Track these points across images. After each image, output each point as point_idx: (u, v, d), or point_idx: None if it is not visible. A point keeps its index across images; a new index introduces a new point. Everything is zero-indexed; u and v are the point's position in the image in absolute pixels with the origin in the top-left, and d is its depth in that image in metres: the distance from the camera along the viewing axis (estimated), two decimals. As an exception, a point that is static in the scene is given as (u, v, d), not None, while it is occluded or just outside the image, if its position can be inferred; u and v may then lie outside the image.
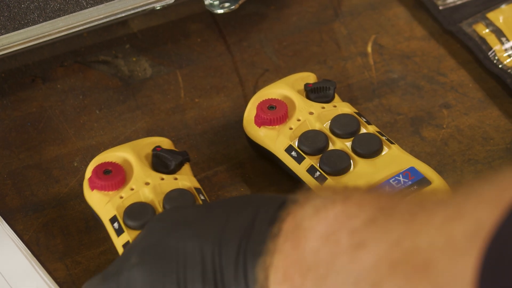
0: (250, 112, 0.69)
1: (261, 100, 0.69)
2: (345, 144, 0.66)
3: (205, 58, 0.79)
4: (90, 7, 0.71)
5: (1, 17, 0.69)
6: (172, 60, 0.79)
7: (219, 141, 0.72)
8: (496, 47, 0.78)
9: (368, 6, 0.84)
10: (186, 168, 0.65)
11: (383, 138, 0.66)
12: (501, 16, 0.80)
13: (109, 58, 0.78)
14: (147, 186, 0.62)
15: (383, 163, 0.65)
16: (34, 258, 0.63)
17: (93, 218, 0.66)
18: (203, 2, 0.77)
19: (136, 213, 0.60)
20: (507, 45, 0.78)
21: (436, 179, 0.64)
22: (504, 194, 0.39)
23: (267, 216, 0.48)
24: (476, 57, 0.79)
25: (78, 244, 0.65)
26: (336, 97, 0.71)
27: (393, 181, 0.63)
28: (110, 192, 0.62)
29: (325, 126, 0.68)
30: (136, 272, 0.50)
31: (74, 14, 0.71)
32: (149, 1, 0.73)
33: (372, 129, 0.67)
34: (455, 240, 0.39)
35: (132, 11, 0.73)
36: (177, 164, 0.64)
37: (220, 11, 0.76)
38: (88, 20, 0.71)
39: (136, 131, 0.73)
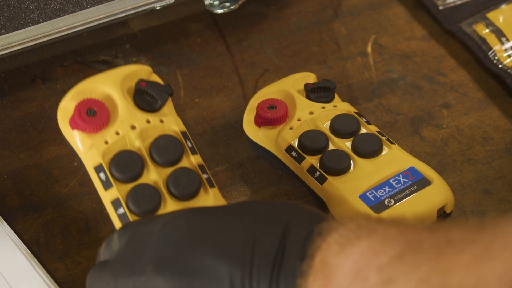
0: (250, 112, 0.69)
1: (261, 100, 0.69)
2: (345, 144, 0.66)
3: (205, 58, 0.79)
4: (90, 7, 0.71)
5: (1, 17, 0.69)
6: (172, 60, 0.79)
7: (219, 141, 0.72)
8: (496, 47, 0.78)
9: (368, 6, 0.84)
10: (169, 104, 0.63)
11: (383, 138, 0.66)
12: (501, 16, 0.80)
13: (109, 58, 0.78)
14: (134, 131, 0.60)
15: (383, 163, 0.65)
16: (34, 258, 0.63)
17: (93, 218, 0.66)
18: (203, 2, 0.77)
19: (124, 164, 0.58)
20: (507, 45, 0.78)
21: (436, 179, 0.64)
22: None
23: (296, 246, 0.48)
24: (476, 57, 0.79)
25: (78, 244, 0.65)
26: (336, 97, 0.71)
27: (393, 181, 0.63)
28: (94, 134, 0.59)
29: (325, 126, 0.68)
30: (155, 279, 0.49)
31: (74, 14, 0.71)
32: (149, 1, 0.73)
33: (372, 129, 0.67)
34: (486, 281, 0.40)
35: (132, 11, 0.73)
36: (162, 104, 0.62)
37: (220, 11, 0.76)
38: (88, 20, 0.71)
39: (136, 131, 0.73)
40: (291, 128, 0.67)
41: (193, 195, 0.59)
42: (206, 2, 0.76)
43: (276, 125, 0.68)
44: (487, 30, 0.79)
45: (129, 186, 0.59)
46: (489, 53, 0.78)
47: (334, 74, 0.78)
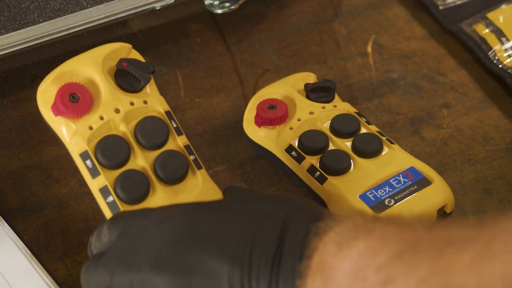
0: (250, 112, 0.69)
1: (261, 100, 0.69)
2: (345, 144, 0.66)
3: (205, 58, 0.79)
4: (90, 7, 0.71)
5: (1, 17, 0.69)
6: (172, 60, 0.79)
7: (219, 141, 0.72)
8: (496, 47, 0.78)
9: (368, 6, 0.84)
10: (152, 83, 0.62)
11: (383, 138, 0.66)
12: (501, 16, 0.80)
13: (109, 58, 0.78)
14: (118, 115, 0.59)
15: (383, 163, 0.65)
16: (34, 258, 0.63)
17: (93, 218, 0.66)
18: (203, 2, 0.77)
19: (111, 150, 0.58)
20: (507, 45, 0.78)
21: (436, 179, 0.64)
22: None
23: (294, 245, 0.47)
24: (476, 57, 0.79)
25: (78, 244, 0.65)
26: (336, 97, 0.71)
27: (393, 181, 0.63)
28: (77, 120, 0.59)
29: (325, 126, 0.68)
30: (153, 277, 0.49)
31: (74, 14, 0.71)
32: (149, 1, 0.73)
33: (372, 129, 0.67)
34: (487, 281, 0.40)
35: (132, 11, 0.73)
36: (145, 84, 0.61)
37: (220, 11, 0.76)
38: (88, 20, 0.71)
39: (136, 131, 0.73)
40: (291, 128, 0.67)
41: (181, 178, 0.59)
42: (206, 2, 0.76)
43: (276, 125, 0.68)
44: (487, 30, 0.79)
45: (117, 172, 0.58)
46: (489, 53, 0.78)
47: (334, 74, 0.78)
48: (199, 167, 0.60)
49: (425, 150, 0.71)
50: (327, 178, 0.64)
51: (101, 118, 0.59)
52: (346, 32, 0.82)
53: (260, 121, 0.68)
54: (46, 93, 0.60)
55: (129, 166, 0.59)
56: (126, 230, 0.52)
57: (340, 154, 0.65)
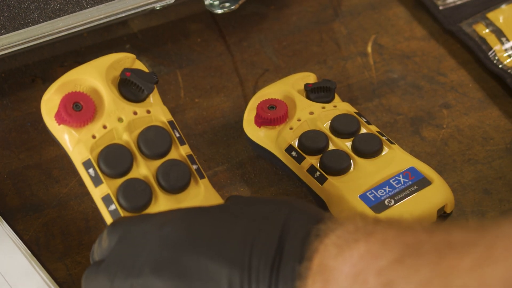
0: (250, 112, 0.69)
1: (261, 100, 0.69)
2: (345, 144, 0.66)
3: (205, 58, 0.79)
4: (90, 7, 0.71)
5: (1, 17, 0.69)
6: (172, 60, 0.79)
7: (219, 141, 0.72)
8: (496, 47, 0.78)
9: (368, 6, 0.84)
10: (155, 93, 0.62)
11: (383, 138, 0.66)
12: (501, 16, 0.80)
13: (109, 58, 0.78)
14: (121, 124, 0.59)
15: (383, 163, 0.65)
16: (34, 258, 0.63)
17: (93, 218, 0.66)
18: (203, 2, 0.77)
19: (113, 159, 0.58)
20: (507, 45, 0.78)
21: (436, 179, 0.64)
22: None
23: (294, 247, 0.47)
24: (476, 57, 0.79)
25: (78, 244, 0.65)
26: (336, 97, 0.71)
27: (393, 181, 0.63)
28: (81, 129, 0.59)
29: (325, 126, 0.68)
30: (153, 281, 0.49)
31: (74, 14, 0.71)
32: (149, 1, 0.73)
33: (372, 129, 0.67)
34: (489, 286, 0.40)
35: (132, 11, 0.73)
36: (149, 94, 0.61)
37: (220, 11, 0.76)
38: (88, 20, 0.71)
39: (136, 131, 0.73)
40: (291, 128, 0.67)
41: (183, 187, 0.59)
42: (206, 2, 0.76)
43: (276, 125, 0.68)
44: (487, 30, 0.79)
45: (119, 181, 0.58)
46: (489, 53, 0.78)
47: (334, 74, 0.78)
48: (202, 177, 0.60)
49: (425, 150, 0.71)
50: (327, 178, 0.64)
51: (104, 127, 0.59)
52: (346, 32, 0.82)
53: (260, 121, 0.68)
54: (50, 102, 0.61)
55: (132, 175, 0.59)
56: (126, 235, 0.52)
57: (340, 154, 0.65)
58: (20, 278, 0.61)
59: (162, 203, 0.58)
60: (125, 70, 0.61)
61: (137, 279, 0.50)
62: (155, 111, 0.61)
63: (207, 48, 0.80)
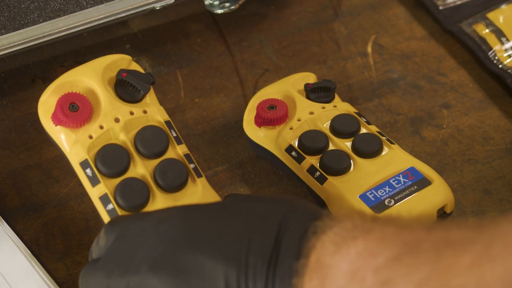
0: (250, 112, 0.69)
1: (261, 100, 0.69)
2: (345, 144, 0.66)
3: (205, 58, 0.79)
4: (90, 7, 0.71)
5: (1, 17, 0.69)
6: (172, 60, 0.79)
7: (219, 141, 0.72)
8: (496, 47, 0.78)
9: (368, 6, 0.84)
10: (151, 93, 0.63)
11: (383, 138, 0.66)
12: (501, 16, 0.80)
13: (109, 58, 0.78)
14: (118, 124, 0.60)
15: (383, 163, 0.65)
16: (34, 258, 0.63)
17: (93, 218, 0.66)
18: (203, 2, 0.77)
19: (110, 158, 0.58)
20: (507, 45, 0.78)
21: (436, 179, 0.64)
22: None
23: (292, 244, 0.47)
24: (476, 57, 0.79)
25: (78, 244, 0.65)
26: (336, 97, 0.71)
27: (393, 181, 0.63)
28: (77, 129, 0.59)
29: (325, 126, 0.68)
30: (150, 278, 0.49)
31: (74, 14, 0.71)
32: (149, 1, 0.73)
33: (372, 129, 0.67)
34: (487, 284, 0.40)
35: (132, 11, 0.73)
36: (145, 94, 0.62)
37: (220, 11, 0.76)
38: (88, 20, 0.71)
39: (136, 131, 0.73)
40: (291, 128, 0.67)
41: (181, 186, 0.59)
42: (206, 2, 0.76)
43: (276, 125, 0.68)
44: (487, 30, 0.79)
45: (116, 180, 0.59)
46: (489, 53, 0.78)
47: (334, 74, 0.78)
48: (199, 175, 0.60)
49: (425, 150, 0.71)
50: (327, 178, 0.64)
51: (101, 127, 0.59)
52: (346, 32, 0.82)
53: (260, 121, 0.68)
54: (46, 104, 0.61)
55: (129, 174, 0.59)
56: (123, 233, 0.52)
57: (340, 154, 0.65)
58: (20, 278, 0.61)
59: (160, 202, 0.58)
60: (121, 70, 0.62)
61: (134, 277, 0.50)
62: (152, 111, 0.61)
63: (207, 48, 0.80)
